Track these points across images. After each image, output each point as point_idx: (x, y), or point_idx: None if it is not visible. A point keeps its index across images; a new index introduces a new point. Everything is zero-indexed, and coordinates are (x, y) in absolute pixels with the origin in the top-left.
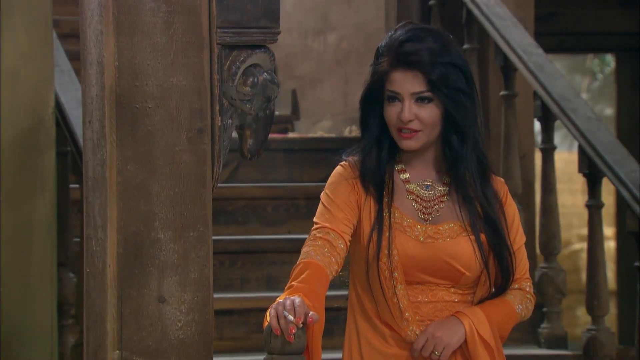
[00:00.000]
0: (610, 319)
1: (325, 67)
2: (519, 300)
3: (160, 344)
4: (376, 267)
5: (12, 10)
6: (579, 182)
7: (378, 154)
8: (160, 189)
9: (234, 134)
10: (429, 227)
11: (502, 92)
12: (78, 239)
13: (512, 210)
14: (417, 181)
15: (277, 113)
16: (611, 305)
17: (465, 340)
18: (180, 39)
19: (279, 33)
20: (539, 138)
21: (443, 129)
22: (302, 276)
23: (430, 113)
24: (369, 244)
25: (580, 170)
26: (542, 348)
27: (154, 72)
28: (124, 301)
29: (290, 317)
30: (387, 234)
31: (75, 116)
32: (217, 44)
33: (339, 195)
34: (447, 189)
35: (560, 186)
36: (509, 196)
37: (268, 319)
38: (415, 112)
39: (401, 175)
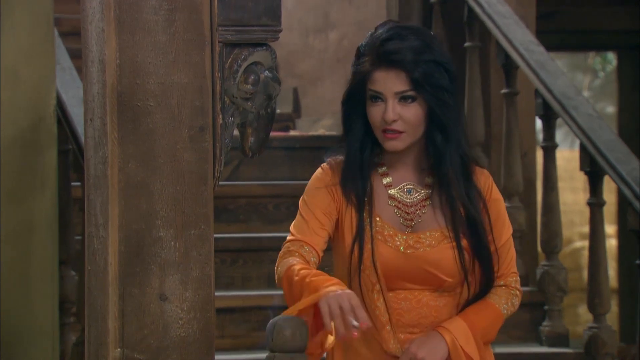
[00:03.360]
0: (612, 316)
1: (327, 65)
2: (505, 300)
3: (161, 342)
4: (358, 278)
5: (13, 8)
6: (581, 180)
7: (361, 158)
8: (161, 187)
9: (236, 132)
10: (410, 235)
11: (504, 90)
12: (79, 237)
13: (497, 205)
14: (400, 185)
15: (278, 111)
16: (612, 303)
17: (449, 356)
18: (181, 37)
19: (280, 31)
20: (540, 136)
21: (427, 128)
22: (312, 269)
23: (414, 112)
24: (351, 255)
25: (581, 168)
26: (543, 346)
27: (155, 70)
28: (126, 299)
29: (356, 323)
30: (369, 245)
31: (76, 114)
32: (218, 42)
33: (317, 204)
34: (430, 191)
35: (562, 184)
36: (494, 189)
37: (326, 317)
38: (399, 112)
39: (384, 180)
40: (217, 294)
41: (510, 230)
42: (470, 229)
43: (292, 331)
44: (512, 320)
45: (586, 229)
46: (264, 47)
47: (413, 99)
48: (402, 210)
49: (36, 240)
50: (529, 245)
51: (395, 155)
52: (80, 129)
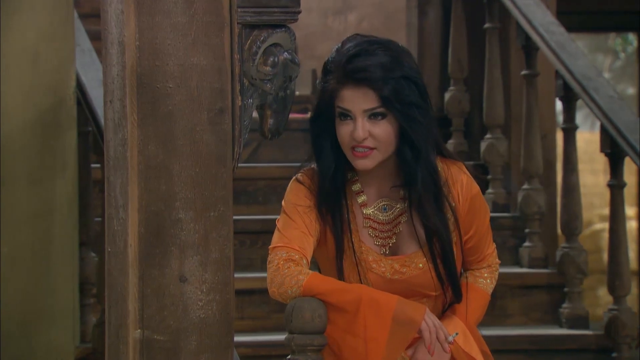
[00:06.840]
0: (632, 299)
1: None
2: (490, 281)
3: (181, 323)
4: None
5: None
6: (601, 162)
7: (335, 181)
8: (181, 169)
9: (255, 114)
10: (394, 259)
11: (524, 72)
12: (99, 219)
13: (472, 202)
14: (374, 202)
15: (297, 93)
16: (633, 285)
17: (452, 358)
18: (201, 19)
19: (299, 12)
20: (560, 118)
21: (398, 144)
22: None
23: (384, 129)
24: (340, 274)
25: (602, 149)
26: (563, 328)
27: (174, 52)
28: (145, 280)
29: (450, 339)
30: (357, 269)
31: (96, 96)
32: (237, 23)
33: (299, 221)
34: (405, 204)
35: (582, 166)
36: (467, 185)
37: (424, 334)
38: (369, 129)
39: (358, 199)
40: (236, 275)
41: (488, 213)
42: (441, 249)
43: (311, 313)
44: (532, 302)
45: (606, 211)
46: (283, 29)
47: (383, 115)
48: (377, 230)
49: (56, 222)
50: (548, 227)
51: (368, 171)
52: (100, 110)
